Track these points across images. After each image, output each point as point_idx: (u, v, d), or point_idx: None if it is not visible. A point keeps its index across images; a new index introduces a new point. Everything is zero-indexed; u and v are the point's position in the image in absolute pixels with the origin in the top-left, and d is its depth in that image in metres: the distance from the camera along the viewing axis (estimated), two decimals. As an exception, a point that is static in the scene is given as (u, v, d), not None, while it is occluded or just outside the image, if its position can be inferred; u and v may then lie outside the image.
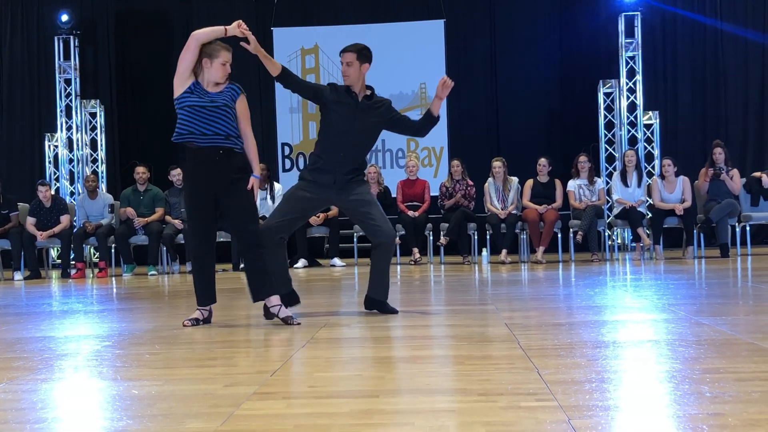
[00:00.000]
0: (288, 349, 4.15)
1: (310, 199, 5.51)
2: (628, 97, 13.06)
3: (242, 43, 5.25)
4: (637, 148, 12.59)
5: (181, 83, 5.07)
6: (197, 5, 14.16)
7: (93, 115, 13.93)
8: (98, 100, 13.91)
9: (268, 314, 5.13)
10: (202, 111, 4.99)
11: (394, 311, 5.46)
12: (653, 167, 12.91)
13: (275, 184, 11.72)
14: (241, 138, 5.12)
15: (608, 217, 11.72)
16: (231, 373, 3.50)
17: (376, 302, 5.55)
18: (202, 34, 5.05)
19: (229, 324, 5.20)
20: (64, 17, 13.56)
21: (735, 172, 11.07)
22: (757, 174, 11.42)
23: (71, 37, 13.67)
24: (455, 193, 11.34)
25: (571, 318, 4.98)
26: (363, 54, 5.49)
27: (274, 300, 5.11)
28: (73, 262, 11.26)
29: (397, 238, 11.29)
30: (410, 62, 13.78)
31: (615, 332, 4.33)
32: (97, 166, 13.88)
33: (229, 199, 5.07)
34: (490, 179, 11.30)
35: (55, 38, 13.69)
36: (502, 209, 11.10)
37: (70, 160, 13.85)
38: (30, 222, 11.19)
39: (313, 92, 5.56)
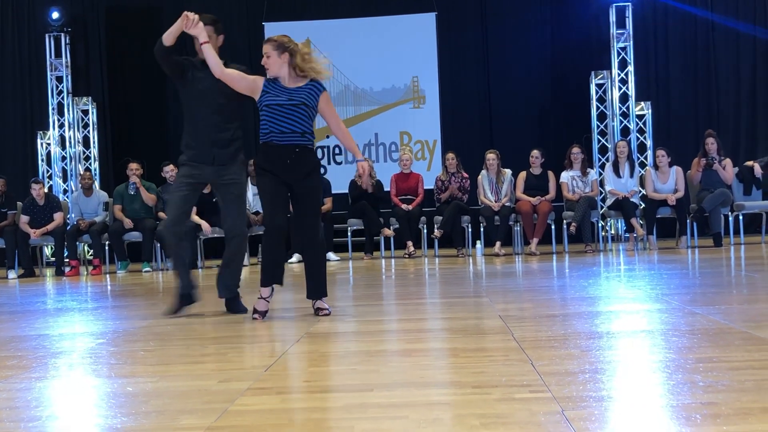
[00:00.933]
0: (282, 344, 4.16)
1: (194, 185, 5.49)
2: (620, 88, 13.07)
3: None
4: (630, 139, 12.60)
5: (251, 92, 5.12)
6: (188, 1, 14.13)
7: (85, 112, 13.90)
8: (90, 98, 13.87)
9: (316, 312, 5.11)
10: (279, 109, 5.00)
11: (244, 310, 5.38)
12: (646, 158, 12.93)
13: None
14: (314, 135, 5.15)
15: (602, 208, 11.73)
16: (225, 368, 3.51)
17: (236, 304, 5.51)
18: (170, 35, 5.21)
19: (223, 320, 5.20)
20: (55, 14, 13.51)
21: (728, 161, 11.08)
22: (749, 163, 11.45)
23: (62, 34, 13.63)
24: (450, 186, 11.34)
25: (565, 309, 4.99)
26: (218, 27, 5.45)
27: (323, 303, 5.12)
28: (67, 260, 11.25)
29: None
30: (402, 55, 13.77)
31: (609, 323, 4.34)
32: (90, 164, 13.85)
33: (298, 194, 5.09)
34: (483, 171, 11.31)
35: (46, 36, 13.64)
36: (496, 201, 11.10)
37: (63, 158, 13.83)
38: (23, 220, 11.17)
39: (182, 68, 5.44)
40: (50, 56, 13.67)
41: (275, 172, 5.03)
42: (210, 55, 5.13)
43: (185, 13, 5.22)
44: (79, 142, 13.87)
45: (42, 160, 13.79)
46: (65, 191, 13.67)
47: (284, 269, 5.22)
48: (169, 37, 5.27)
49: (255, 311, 5.08)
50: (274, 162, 5.03)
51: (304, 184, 5.07)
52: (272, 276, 5.10)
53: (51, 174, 13.79)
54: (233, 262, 5.54)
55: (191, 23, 5.18)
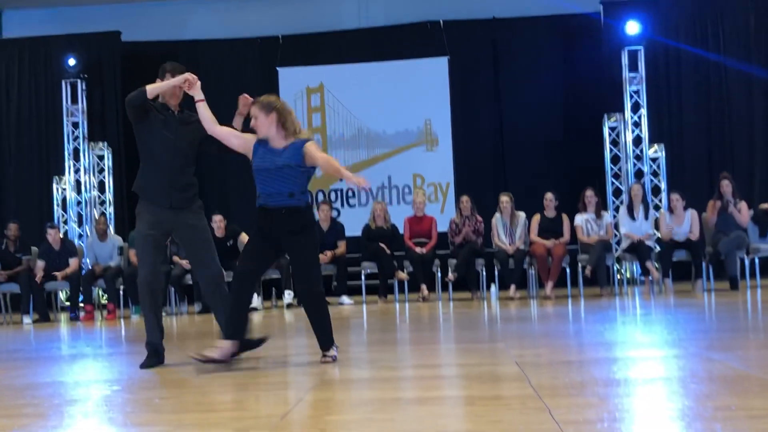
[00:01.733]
0: (298, 391, 4.15)
1: (158, 237, 5.44)
2: (633, 131, 13.08)
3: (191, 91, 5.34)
4: (644, 182, 12.59)
5: (244, 150, 5.21)
6: (203, 46, 14.29)
7: (101, 157, 13.99)
8: (106, 143, 13.97)
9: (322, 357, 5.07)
10: (266, 173, 5.07)
11: (259, 343, 5.36)
12: (660, 200, 12.91)
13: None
14: (307, 192, 5.18)
15: (616, 251, 11.69)
16: (241, 417, 3.49)
17: (246, 343, 5.42)
18: (155, 91, 5.36)
19: (238, 367, 5.19)
20: (72, 61, 13.67)
21: (743, 204, 11.04)
22: (764, 206, 11.38)
23: (78, 80, 13.78)
24: (464, 229, 11.33)
25: (582, 355, 4.96)
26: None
27: (331, 352, 5.07)
28: (82, 305, 11.26)
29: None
30: (415, 99, 13.84)
31: (626, 369, 4.31)
32: (105, 208, 13.92)
33: (291, 252, 5.18)
34: (497, 214, 11.30)
35: (63, 82, 13.79)
36: (510, 244, 11.08)
37: (78, 203, 13.91)
38: (39, 266, 11.20)
39: (146, 111, 5.46)
40: (66, 102, 13.80)
41: (266, 231, 5.11)
42: (204, 112, 5.25)
43: (186, 76, 5.32)
44: (94, 186, 13.96)
45: (57, 205, 13.87)
46: (80, 236, 13.73)
47: (248, 321, 5.19)
48: (154, 93, 5.37)
49: (205, 356, 4.99)
50: (265, 224, 5.11)
51: (294, 240, 5.08)
52: (235, 328, 5.08)
53: (66, 219, 13.85)
54: (227, 305, 5.53)
55: (192, 85, 5.29)
